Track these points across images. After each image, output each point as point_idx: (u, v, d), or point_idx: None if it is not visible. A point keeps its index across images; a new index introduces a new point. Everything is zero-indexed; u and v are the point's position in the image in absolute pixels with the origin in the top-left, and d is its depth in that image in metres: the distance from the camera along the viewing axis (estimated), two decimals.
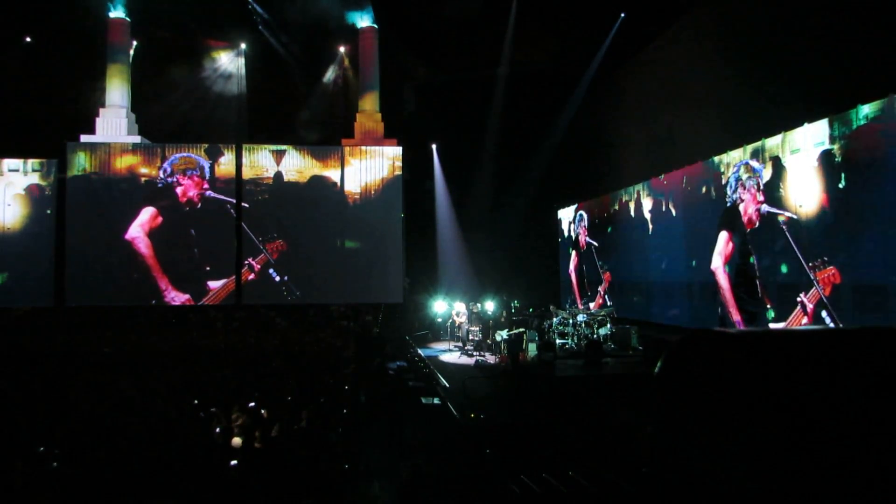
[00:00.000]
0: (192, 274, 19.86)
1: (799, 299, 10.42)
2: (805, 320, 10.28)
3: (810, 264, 10.17)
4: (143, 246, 19.68)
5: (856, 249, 9.32)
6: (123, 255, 19.61)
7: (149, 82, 21.17)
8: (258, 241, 20.07)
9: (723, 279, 12.80)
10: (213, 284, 19.90)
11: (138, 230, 19.70)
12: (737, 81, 12.82)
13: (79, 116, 20.44)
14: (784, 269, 10.84)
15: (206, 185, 20.12)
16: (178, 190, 19.99)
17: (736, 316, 12.27)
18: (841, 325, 9.26)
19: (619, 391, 10.14)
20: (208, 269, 19.95)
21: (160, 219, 19.79)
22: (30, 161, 19.89)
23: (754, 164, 11.76)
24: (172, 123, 21.44)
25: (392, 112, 21.58)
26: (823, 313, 9.88)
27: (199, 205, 20.05)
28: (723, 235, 12.88)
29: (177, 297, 19.73)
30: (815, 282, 10.08)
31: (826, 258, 9.90)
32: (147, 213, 19.77)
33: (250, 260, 20.10)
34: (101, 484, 5.02)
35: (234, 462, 5.50)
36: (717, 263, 13.00)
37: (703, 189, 13.67)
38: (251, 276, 20.07)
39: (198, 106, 22.02)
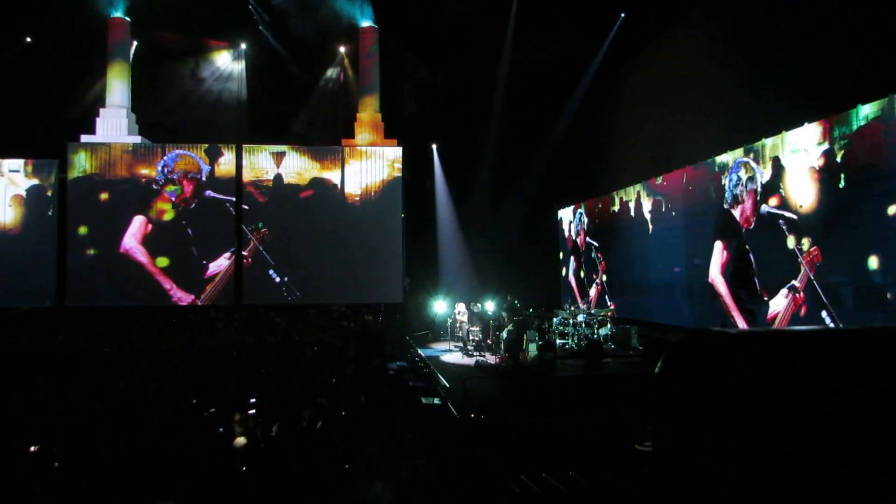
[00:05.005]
0: (193, 273, 19.88)
1: (790, 284, 10.57)
2: (791, 304, 10.34)
3: (798, 247, 10.33)
4: (140, 254, 19.77)
5: (856, 249, 9.33)
6: (124, 257, 19.63)
7: (149, 82, 21.16)
8: (248, 232, 20.07)
9: (721, 286, 12.80)
10: (212, 282, 19.93)
11: (132, 240, 19.75)
12: (737, 81, 12.81)
13: (79, 116, 20.43)
14: (783, 265, 10.84)
15: (203, 185, 20.12)
16: (175, 191, 19.97)
17: (739, 319, 12.25)
18: (841, 325, 9.27)
19: (619, 391, 10.13)
20: (205, 263, 19.95)
21: (150, 226, 19.87)
22: (30, 161, 19.89)
23: (753, 164, 11.77)
24: (172, 123, 21.44)
25: (392, 112, 21.57)
26: (823, 313, 9.89)
27: (194, 205, 20.03)
28: (717, 245, 12.92)
29: (183, 298, 19.78)
30: (802, 264, 10.21)
31: (810, 238, 10.07)
32: (137, 223, 19.84)
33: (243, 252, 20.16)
34: (101, 484, 5.02)
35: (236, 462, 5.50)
36: (715, 273, 13.02)
37: (703, 189, 13.67)
38: (246, 262, 20.09)
39: (198, 106, 22.01)
